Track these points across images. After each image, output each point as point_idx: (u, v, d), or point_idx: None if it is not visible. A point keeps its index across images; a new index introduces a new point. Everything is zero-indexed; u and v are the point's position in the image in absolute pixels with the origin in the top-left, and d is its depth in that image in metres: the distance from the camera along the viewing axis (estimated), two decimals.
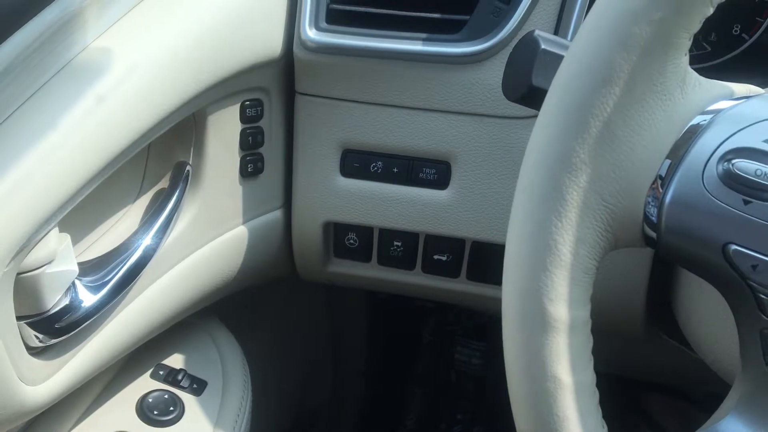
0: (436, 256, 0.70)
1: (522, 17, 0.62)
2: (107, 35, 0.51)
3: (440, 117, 0.66)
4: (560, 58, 0.41)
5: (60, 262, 0.48)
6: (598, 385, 0.42)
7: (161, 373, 0.68)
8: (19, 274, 0.46)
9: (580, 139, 0.37)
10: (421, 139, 0.67)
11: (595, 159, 0.37)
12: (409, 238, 0.70)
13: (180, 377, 0.68)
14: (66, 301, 0.50)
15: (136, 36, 0.52)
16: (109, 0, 0.52)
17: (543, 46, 0.47)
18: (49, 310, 0.49)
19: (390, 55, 0.65)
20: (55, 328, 0.49)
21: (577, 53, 0.38)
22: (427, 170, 0.67)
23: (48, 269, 0.47)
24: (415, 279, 0.72)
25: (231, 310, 0.79)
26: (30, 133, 0.45)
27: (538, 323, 0.39)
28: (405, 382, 1.27)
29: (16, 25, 0.45)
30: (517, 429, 0.42)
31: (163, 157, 0.62)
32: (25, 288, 0.47)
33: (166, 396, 0.66)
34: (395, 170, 0.68)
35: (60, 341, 0.51)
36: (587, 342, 0.40)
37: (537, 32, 0.48)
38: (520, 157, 0.41)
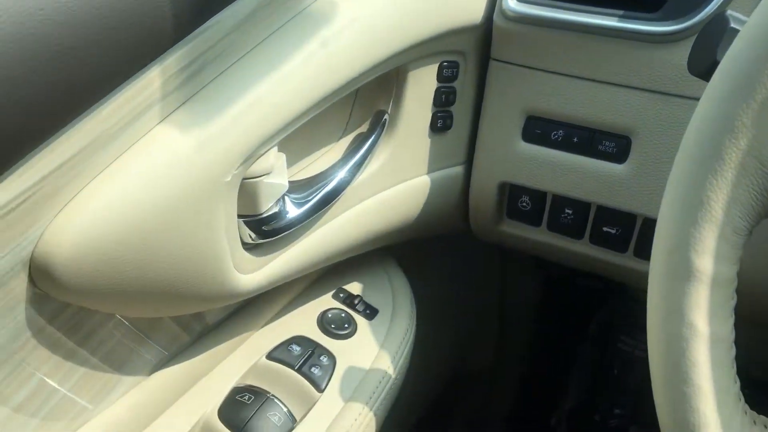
0: (605, 228, 0.72)
1: None
2: None
3: (627, 92, 0.67)
4: None
5: (275, 175, 0.58)
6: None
7: (341, 295, 0.77)
8: (244, 179, 0.56)
9: (745, 105, 0.39)
10: (605, 113, 0.68)
11: (758, 125, 0.39)
12: (581, 207, 0.72)
13: (356, 302, 0.77)
14: (275, 209, 0.59)
15: None
16: None
17: (732, 25, 0.48)
18: (261, 214, 0.58)
19: (587, 29, 0.67)
20: (263, 230, 0.59)
21: (751, 24, 0.39)
22: (606, 143, 0.69)
23: (266, 179, 0.57)
24: (582, 248, 0.74)
25: (407, 257, 0.86)
26: (264, 67, 0.55)
27: (682, 273, 0.41)
28: (568, 363, 1.27)
29: None
30: (650, 372, 0.44)
31: (366, 104, 0.70)
32: (247, 191, 0.57)
33: (343, 315, 0.75)
34: (575, 140, 0.70)
35: (267, 242, 0.61)
36: (729, 298, 0.41)
37: (729, 12, 0.49)
38: None
